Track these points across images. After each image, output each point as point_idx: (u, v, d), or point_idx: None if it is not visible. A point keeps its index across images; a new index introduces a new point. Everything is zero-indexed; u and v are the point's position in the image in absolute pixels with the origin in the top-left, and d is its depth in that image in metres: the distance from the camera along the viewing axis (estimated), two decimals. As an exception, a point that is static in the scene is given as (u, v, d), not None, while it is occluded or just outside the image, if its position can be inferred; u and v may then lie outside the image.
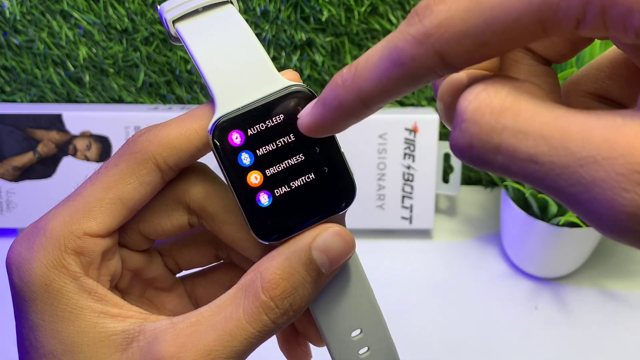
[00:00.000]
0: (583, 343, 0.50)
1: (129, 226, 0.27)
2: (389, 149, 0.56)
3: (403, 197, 0.57)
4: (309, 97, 0.25)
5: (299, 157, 0.25)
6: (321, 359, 0.30)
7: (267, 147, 0.25)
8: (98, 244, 0.25)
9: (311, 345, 0.31)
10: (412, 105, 0.60)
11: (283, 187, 0.25)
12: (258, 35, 0.55)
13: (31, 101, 0.59)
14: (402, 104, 0.60)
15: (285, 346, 0.30)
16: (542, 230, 0.50)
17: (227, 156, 0.24)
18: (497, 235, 0.59)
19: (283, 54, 0.56)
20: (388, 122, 0.56)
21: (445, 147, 0.58)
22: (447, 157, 0.60)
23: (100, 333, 0.24)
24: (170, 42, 0.56)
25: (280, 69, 0.57)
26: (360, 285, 0.27)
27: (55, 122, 0.55)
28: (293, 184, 0.25)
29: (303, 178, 0.25)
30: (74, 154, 0.55)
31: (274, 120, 0.25)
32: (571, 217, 0.47)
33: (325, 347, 0.27)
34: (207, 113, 0.25)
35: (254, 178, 0.25)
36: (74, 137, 0.55)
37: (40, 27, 0.55)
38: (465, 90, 0.17)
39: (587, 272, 0.55)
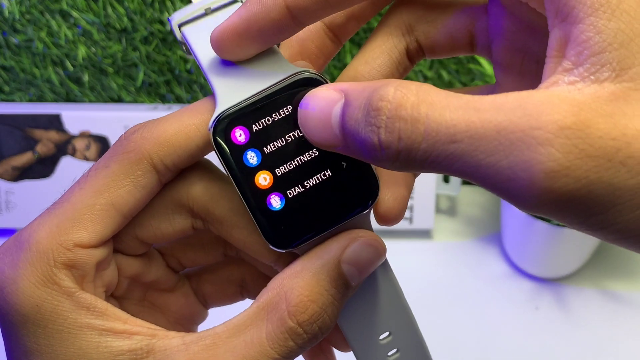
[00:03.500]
0: (583, 343, 0.50)
1: (125, 232, 0.24)
2: (389, 148, 0.56)
3: (403, 197, 0.57)
4: (320, 83, 0.22)
5: (312, 152, 0.22)
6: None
7: (275, 143, 0.22)
8: (91, 255, 0.22)
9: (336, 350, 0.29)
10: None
11: (296, 188, 0.22)
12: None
13: (30, 101, 0.59)
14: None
15: (308, 353, 0.28)
16: (543, 231, 0.50)
17: (231, 156, 0.22)
18: (498, 236, 0.58)
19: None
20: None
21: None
22: (447, 157, 0.60)
23: (104, 353, 0.21)
24: (176, 46, 0.56)
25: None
26: (389, 287, 0.25)
27: (54, 121, 0.55)
28: (307, 183, 0.22)
29: (318, 176, 0.22)
30: (73, 154, 0.55)
31: (282, 113, 0.22)
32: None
33: (351, 351, 0.26)
34: (209, 107, 0.23)
35: (263, 179, 0.22)
36: (73, 136, 0.55)
37: (39, 27, 0.55)
38: (374, 94, 0.18)
39: (587, 273, 0.55)
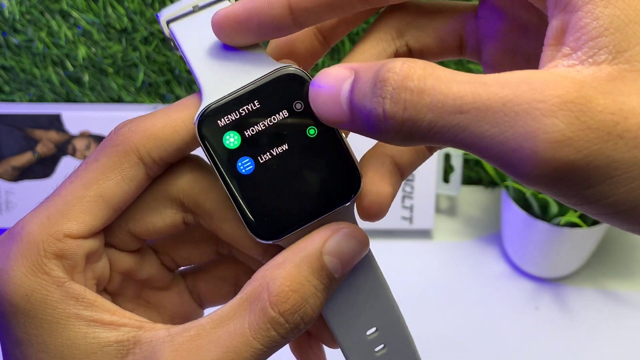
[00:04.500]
0: (583, 343, 0.50)
1: (117, 226, 0.24)
2: (389, 148, 0.56)
3: (403, 197, 0.57)
4: (303, 79, 0.23)
5: (295, 143, 0.23)
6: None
7: (259, 135, 0.23)
8: (81, 245, 0.22)
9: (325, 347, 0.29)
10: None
11: (278, 177, 0.23)
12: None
13: (30, 101, 0.59)
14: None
15: (297, 350, 0.28)
16: (543, 231, 0.50)
17: (215, 148, 0.22)
18: (498, 236, 0.58)
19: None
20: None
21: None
22: (447, 157, 0.60)
23: (92, 344, 0.21)
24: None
25: (280, 68, 0.57)
26: (374, 282, 0.25)
27: (55, 121, 0.55)
28: (289, 172, 0.23)
29: (300, 165, 0.23)
30: (73, 154, 0.55)
31: (265, 106, 0.23)
32: (572, 217, 0.47)
33: (339, 348, 0.26)
34: (195, 103, 0.23)
35: (246, 169, 0.23)
36: (73, 137, 0.55)
37: (40, 27, 0.55)
38: (382, 68, 0.19)
39: (587, 273, 0.55)
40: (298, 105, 0.23)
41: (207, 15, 0.24)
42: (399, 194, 0.57)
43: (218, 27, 0.22)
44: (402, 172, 0.25)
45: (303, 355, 0.28)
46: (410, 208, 0.57)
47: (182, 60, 0.57)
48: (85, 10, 0.55)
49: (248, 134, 0.23)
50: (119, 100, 0.59)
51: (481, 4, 0.24)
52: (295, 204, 0.23)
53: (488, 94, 0.17)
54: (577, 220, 0.47)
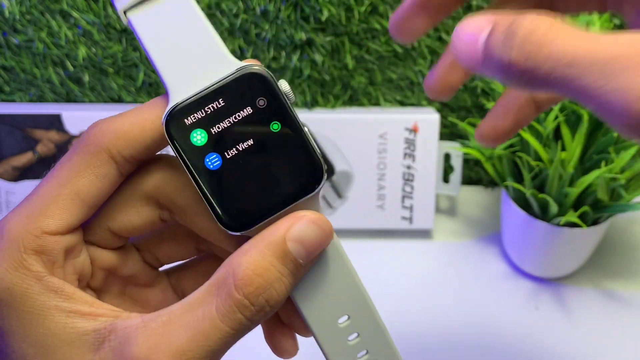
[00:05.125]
0: (583, 343, 0.50)
1: (97, 224, 0.26)
2: (389, 149, 0.56)
3: (403, 197, 0.57)
4: (265, 76, 0.24)
5: (259, 138, 0.24)
6: (312, 350, 0.30)
7: (224, 130, 0.24)
8: (58, 241, 0.24)
9: (299, 337, 0.29)
10: (412, 105, 0.60)
11: (245, 171, 0.24)
12: (258, 35, 0.55)
13: (30, 101, 0.59)
14: (402, 103, 0.60)
15: (270, 339, 0.29)
16: (543, 231, 0.50)
17: (183, 145, 0.23)
18: (498, 236, 0.58)
19: (283, 53, 0.56)
20: (388, 122, 0.55)
21: (445, 147, 0.58)
22: (447, 157, 0.60)
23: (70, 334, 0.23)
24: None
25: (280, 68, 0.57)
26: (342, 270, 0.26)
27: (55, 122, 0.55)
28: (255, 167, 0.24)
29: (265, 160, 0.24)
30: (74, 154, 0.55)
31: (230, 104, 0.24)
32: (572, 217, 0.47)
33: (312, 337, 0.27)
34: (163, 103, 0.24)
35: (214, 164, 0.24)
36: (74, 137, 0.55)
37: (40, 27, 0.55)
38: (514, 22, 0.21)
39: (587, 273, 0.55)
40: (261, 102, 0.24)
41: (167, 4, 0.24)
42: (399, 194, 0.57)
43: None
44: (539, 107, 0.31)
45: (276, 343, 0.29)
46: (410, 208, 0.57)
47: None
48: (86, 10, 0.55)
49: (214, 131, 0.24)
50: (119, 100, 0.59)
51: None
52: (261, 197, 0.24)
53: (597, 50, 0.19)
54: (577, 220, 0.47)
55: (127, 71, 0.58)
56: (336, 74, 0.57)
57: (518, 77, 0.21)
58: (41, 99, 0.59)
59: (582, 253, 0.53)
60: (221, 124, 0.24)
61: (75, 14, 0.55)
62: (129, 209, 0.26)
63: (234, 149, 0.24)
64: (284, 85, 0.24)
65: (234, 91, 0.24)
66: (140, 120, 0.24)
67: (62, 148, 0.55)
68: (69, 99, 0.59)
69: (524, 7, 0.29)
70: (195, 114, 0.23)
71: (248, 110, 0.24)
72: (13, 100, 0.59)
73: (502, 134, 0.30)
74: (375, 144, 0.56)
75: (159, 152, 0.26)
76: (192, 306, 0.23)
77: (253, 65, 0.24)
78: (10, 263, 0.23)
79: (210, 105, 0.24)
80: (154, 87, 0.59)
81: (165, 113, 0.23)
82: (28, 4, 0.54)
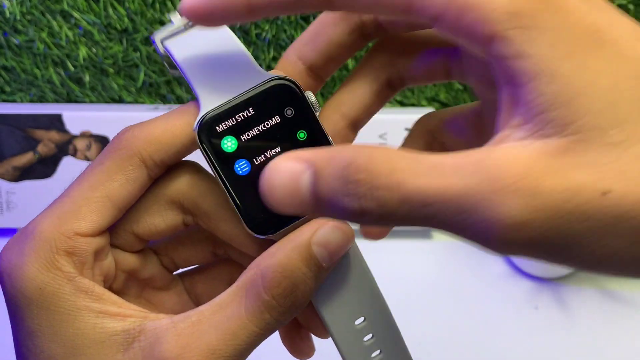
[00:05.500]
0: (583, 343, 0.50)
1: (122, 227, 0.26)
2: (389, 149, 0.56)
3: (403, 197, 0.57)
4: (292, 87, 0.25)
5: (286, 144, 0.25)
6: (327, 350, 0.30)
7: (253, 137, 0.25)
8: (89, 243, 0.24)
9: (315, 339, 0.30)
10: (412, 105, 0.60)
11: None
12: (258, 36, 0.55)
13: (31, 101, 0.59)
14: (402, 104, 0.60)
15: (287, 340, 0.30)
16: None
17: (214, 151, 0.24)
18: (498, 235, 0.58)
19: (283, 53, 0.56)
20: (388, 122, 0.56)
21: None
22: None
23: (100, 334, 0.23)
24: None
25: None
26: (361, 273, 0.27)
27: (55, 122, 0.55)
28: None
29: None
30: (74, 154, 0.55)
31: (259, 113, 0.25)
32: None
33: (329, 339, 0.27)
34: (193, 110, 0.25)
35: (243, 170, 0.25)
36: (74, 137, 0.55)
37: (40, 27, 0.55)
38: (348, 167, 0.19)
39: (587, 272, 0.55)
40: (289, 112, 0.25)
41: (197, 31, 0.26)
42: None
43: (187, 14, 0.23)
44: (356, 126, 0.28)
45: (293, 344, 0.30)
46: (410, 208, 0.57)
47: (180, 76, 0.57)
48: (86, 10, 0.55)
49: (244, 138, 0.25)
50: (119, 100, 0.59)
51: None
52: None
53: (446, 187, 0.18)
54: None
55: (128, 71, 0.58)
56: (336, 74, 0.57)
57: (373, 222, 0.19)
58: (42, 99, 0.59)
59: (582, 253, 0.53)
60: (250, 131, 0.25)
61: (75, 14, 0.55)
62: (154, 213, 0.26)
63: (263, 155, 0.25)
64: (310, 96, 0.25)
65: (263, 101, 0.25)
66: (171, 126, 0.25)
67: (63, 148, 0.55)
68: (70, 99, 0.59)
69: (373, 85, 0.27)
70: (226, 122, 0.24)
71: (276, 119, 0.25)
72: (14, 101, 0.59)
73: (385, 228, 0.29)
74: (375, 144, 0.56)
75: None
76: (221, 307, 0.24)
77: (282, 76, 0.25)
78: (42, 263, 0.23)
79: (240, 114, 0.25)
80: (154, 88, 0.59)
81: (197, 120, 0.24)
82: (29, 4, 0.54)
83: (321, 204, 0.20)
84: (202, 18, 0.23)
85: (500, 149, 0.19)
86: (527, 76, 0.18)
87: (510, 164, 0.18)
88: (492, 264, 0.56)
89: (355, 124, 0.28)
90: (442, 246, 0.58)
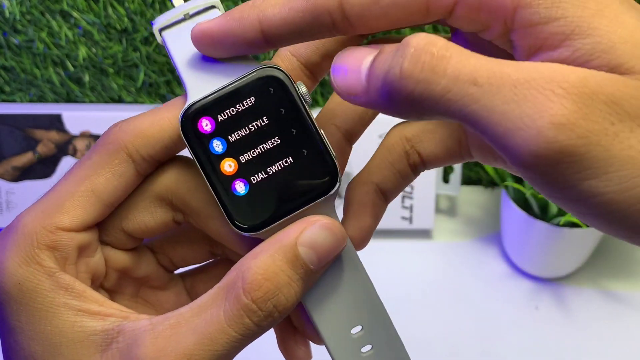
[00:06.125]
0: (583, 343, 0.50)
1: (111, 224, 0.25)
2: (389, 149, 0.56)
3: (403, 197, 0.57)
4: (282, 78, 0.23)
5: (274, 140, 0.23)
6: (326, 358, 0.30)
7: (239, 132, 0.23)
8: (72, 238, 0.23)
9: (313, 345, 0.29)
10: (412, 105, 0.60)
11: (260, 174, 0.23)
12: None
13: (31, 101, 0.59)
14: (402, 103, 0.60)
15: (283, 346, 0.29)
16: (543, 231, 0.50)
17: (198, 144, 0.23)
18: (498, 236, 0.58)
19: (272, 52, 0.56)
20: (388, 122, 0.55)
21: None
22: (447, 157, 0.60)
23: (79, 333, 0.22)
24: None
25: (280, 68, 0.57)
26: (357, 279, 0.25)
27: (55, 122, 0.55)
28: (270, 169, 0.23)
29: (280, 163, 0.23)
30: (74, 154, 0.55)
31: (245, 104, 0.23)
32: (571, 217, 0.47)
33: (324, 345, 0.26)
34: (182, 103, 0.24)
35: (228, 166, 0.23)
36: (74, 137, 0.55)
37: (40, 27, 0.55)
38: (407, 38, 0.19)
39: (587, 273, 0.55)
40: (278, 104, 0.24)
41: (196, 20, 0.25)
42: (399, 194, 0.57)
43: (196, 41, 0.23)
44: (387, 197, 0.26)
45: (289, 350, 0.29)
46: (410, 208, 0.57)
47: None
48: (86, 10, 0.55)
49: (230, 134, 0.24)
50: (119, 100, 0.59)
51: (452, 37, 0.25)
52: (275, 198, 0.24)
53: (502, 72, 0.18)
54: (577, 221, 0.47)
55: (127, 71, 0.58)
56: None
57: (409, 92, 0.19)
58: (41, 99, 0.59)
59: (582, 253, 0.53)
60: (236, 124, 0.23)
61: (75, 14, 0.55)
62: (143, 210, 0.25)
63: (249, 150, 0.24)
64: (301, 87, 0.24)
65: (250, 92, 0.23)
66: (159, 120, 0.24)
67: (63, 148, 0.55)
68: (69, 99, 0.59)
69: None
70: (211, 112, 0.23)
71: (264, 112, 0.23)
72: (13, 101, 0.59)
73: (368, 232, 0.27)
74: (375, 144, 0.56)
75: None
76: (201, 309, 0.23)
77: (271, 65, 0.24)
78: (23, 257, 0.23)
79: (226, 105, 0.23)
80: (154, 87, 0.59)
81: (182, 111, 0.23)
82: (28, 4, 0.54)
83: (370, 78, 0.20)
84: (212, 46, 0.23)
85: (555, 64, 0.18)
86: (559, 37, 0.18)
87: (568, 71, 0.18)
88: (492, 264, 0.56)
89: (351, 137, 0.27)
90: (442, 246, 0.58)
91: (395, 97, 0.19)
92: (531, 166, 0.18)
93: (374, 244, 0.26)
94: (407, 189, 0.57)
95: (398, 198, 0.57)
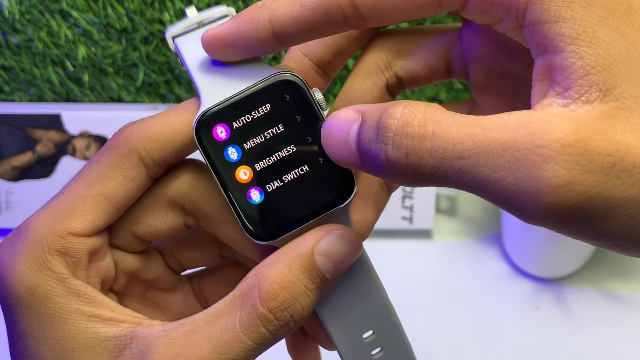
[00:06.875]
0: (584, 343, 0.50)
1: (121, 227, 0.25)
2: (389, 148, 0.56)
3: (403, 197, 0.57)
4: (298, 84, 0.23)
5: (289, 148, 0.23)
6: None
7: (254, 139, 0.23)
8: (84, 243, 0.23)
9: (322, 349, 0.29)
10: (412, 105, 0.60)
11: (275, 182, 0.23)
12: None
13: (30, 101, 0.59)
14: (402, 103, 0.60)
15: (293, 350, 0.29)
16: (543, 231, 0.50)
17: (213, 152, 0.23)
18: (498, 236, 0.58)
19: (283, 53, 0.56)
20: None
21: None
22: (447, 157, 0.60)
23: (91, 339, 0.22)
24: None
25: (280, 68, 0.57)
26: (370, 284, 0.25)
27: (54, 121, 0.55)
28: (285, 177, 0.23)
29: (296, 171, 0.23)
30: (73, 154, 0.55)
31: (261, 111, 0.23)
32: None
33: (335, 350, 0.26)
34: (194, 107, 0.24)
35: (243, 174, 0.23)
36: (73, 136, 0.55)
37: (39, 27, 0.55)
38: (384, 113, 0.19)
39: (587, 273, 0.55)
40: (294, 111, 0.23)
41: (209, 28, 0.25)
42: (399, 194, 0.57)
43: (207, 46, 0.23)
44: (390, 187, 0.26)
45: (299, 355, 0.28)
46: (410, 208, 0.57)
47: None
48: (85, 10, 0.55)
49: (245, 141, 0.23)
50: (119, 100, 0.59)
51: (464, 26, 0.25)
52: (290, 206, 0.23)
53: (488, 139, 0.17)
54: (577, 220, 0.47)
55: (127, 71, 0.58)
56: (336, 74, 0.57)
57: (401, 174, 0.19)
58: (41, 98, 0.59)
59: (582, 253, 0.53)
60: (252, 131, 0.23)
61: (75, 13, 0.55)
62: (154, 214, 0.25)
63: (264, 158, 0.23)
64: (317, 94, 0.23)
65: (266, 99, 0.23)
66: (171, 123, 0.24)
67: (62, 148, 0.55)
68: (69, 98, 0.59)
69: (373, 92, 0.25)
70: (226, 119, 0.23)
71: (280, 119, 0.23)
72: (13, 100, 0.59)
73: (369, 226, 0.27)
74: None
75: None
76: (216, 317, 0.22)
77: (286, 72, 0.23)
78: (34, 263, 0.22)
79: (241, 112, 0.23)
80: (154, 87, 0.59)
81: (196, 117, 0.23)
82: (28, 4, 0.54)
83: (362, 153, 0.20)
84: (223, 49, 0.22)
85: (545, 112, 0.18)
86: (565, 41, 0.18)
87: (558, 121, 0.17)
88: (492, 264, 0.56)
89: None
90: (442, 246, 0.58)
91: (390, 177, 0.19)
92: (539, 223, 0.18)
93: (374, 244, 0.26)
94: (408, 189, 0.57)
95: (398, 198, 0.57)
